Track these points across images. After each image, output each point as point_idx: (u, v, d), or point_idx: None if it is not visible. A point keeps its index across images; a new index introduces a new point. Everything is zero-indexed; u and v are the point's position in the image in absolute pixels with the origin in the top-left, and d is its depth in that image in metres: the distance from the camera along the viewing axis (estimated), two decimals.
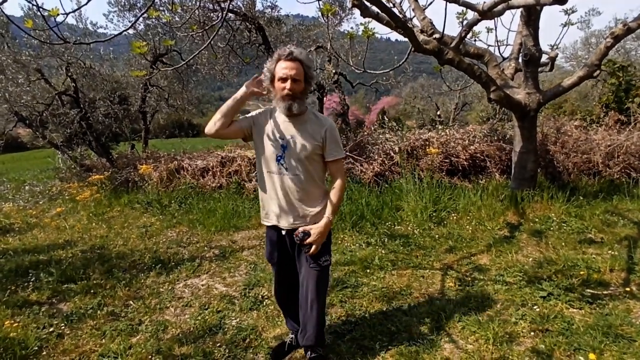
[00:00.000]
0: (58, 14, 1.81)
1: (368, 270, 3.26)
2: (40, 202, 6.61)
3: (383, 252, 3.62)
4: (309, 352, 2.12)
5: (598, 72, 4.30)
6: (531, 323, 2.38)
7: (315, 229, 1.90)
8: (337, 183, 1.97)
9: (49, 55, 7.22)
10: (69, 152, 8.42)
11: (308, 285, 2.00)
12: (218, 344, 2.35)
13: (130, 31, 7.64)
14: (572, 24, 4.39)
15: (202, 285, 3.21)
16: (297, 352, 2.26)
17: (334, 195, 1.96)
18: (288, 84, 1.81)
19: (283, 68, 1.82)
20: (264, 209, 2.05)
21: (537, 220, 4.20)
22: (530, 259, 3.34)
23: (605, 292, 2.72)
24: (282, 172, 1.92)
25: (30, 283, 3.28)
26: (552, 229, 3.98)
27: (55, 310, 2.88)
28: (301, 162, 1.91)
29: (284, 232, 2.01)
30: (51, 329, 2.59)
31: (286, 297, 2.20)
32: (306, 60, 1.85)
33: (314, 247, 1.90)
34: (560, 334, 2.26)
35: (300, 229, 1.91)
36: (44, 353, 2.35)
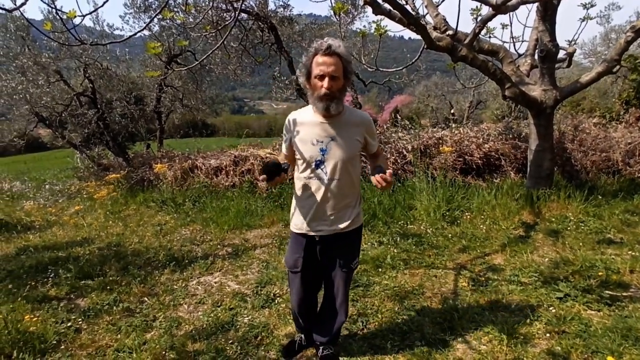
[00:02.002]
0: (75, 16, 1.85)
1: (380, 269, 3.24)
2: (60, 201, 6.79)
3: (395, 251, 3.60)
4: (320, 350, 2.13)
5: (618, 67, 4.18)
6: (547, 324, 2.33)
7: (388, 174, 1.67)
8: (383, 155, 2.01)
9: (68, 57, 7.41)
10: (87, 152, 8.63)
11: (338, 287, 1.99)
12: (230, 341, 2.38)
13: (146, 33, 7.80)
14: (591, 19, 4.29)
15: (215, 282, 3.25)
16: (307, 350, 2.27)
17: (384, 161, 1.95)
18: (326, 83, 1.66)
19: (320, 64, 1.66)
20: (299, 216, 1.91)
21: (553, 219, 4.11)
22: (546, 259, 3.27)
23: (624, 294, 2.64)
24: (322, 177, 1.80)
25: (50, 279, 3.37)
26: (569, 228, 3.88)
27: (73, 305, 2.96)
28: (343, 165, 1.79)
29: (317, 238, 1.89)
30: (69, 324, 2.66)
31: (309, 304, 2.14)
32: (345, 54, 1.69)
33: (386, 183, 1.65)
34: (577, 336, 2.20)
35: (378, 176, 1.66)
36: (62, 347, 2.42)
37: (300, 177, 1.88)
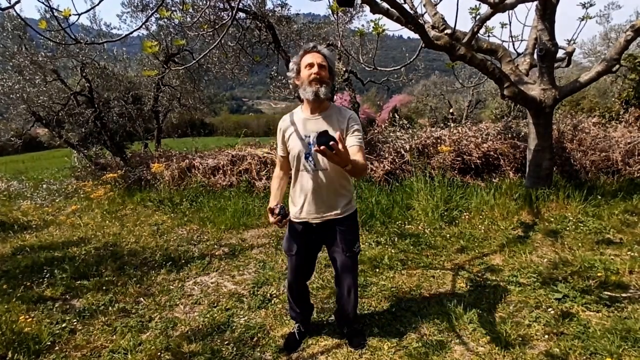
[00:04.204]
0: (70, 15, 1.83)
1: (377, 270, 3.22)
2: (57, 200, 6.75)
3: (393, 251, 3.58)
4: (346, 328, 2.31)
5: (617, 66, 4.16)
6: (545, 326, 2.32)
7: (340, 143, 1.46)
8: (361, 158, 1.81)
9: (65, 56, 7.36)
10: (85, 151, 8.59)
11: (344, 272, 2.10)
12: (226, 342, 2.36)
13: (144, 32, 7.76)
14: (590, 18, 4.27)
15: (212, 283, 3.22)
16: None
17: (359, 159, 1.77)
18: (315, 68, 1.87)
19: (309, 57, 1.91)
20: (295, 206, 2.07)
21: (552, 219, 4.09)
22: (545, 260, 3.25)
23: (624, 295, 2.62)
24: (312, 168, 1.96)
25: (45, 279, 3.34)
26: (568, 228, 3.87)
27: (68, 306, 2.93)
28: None
29: (314, 225, 2.04)
30: (64, 325, 2.64)
31: (300, 285, 2.26)
32: (329, 55, 1.95)
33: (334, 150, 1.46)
34: (576, 337, 2.19)
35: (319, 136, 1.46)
36: (57, 348, 2.39)
37: (294, 170, 2.05)
